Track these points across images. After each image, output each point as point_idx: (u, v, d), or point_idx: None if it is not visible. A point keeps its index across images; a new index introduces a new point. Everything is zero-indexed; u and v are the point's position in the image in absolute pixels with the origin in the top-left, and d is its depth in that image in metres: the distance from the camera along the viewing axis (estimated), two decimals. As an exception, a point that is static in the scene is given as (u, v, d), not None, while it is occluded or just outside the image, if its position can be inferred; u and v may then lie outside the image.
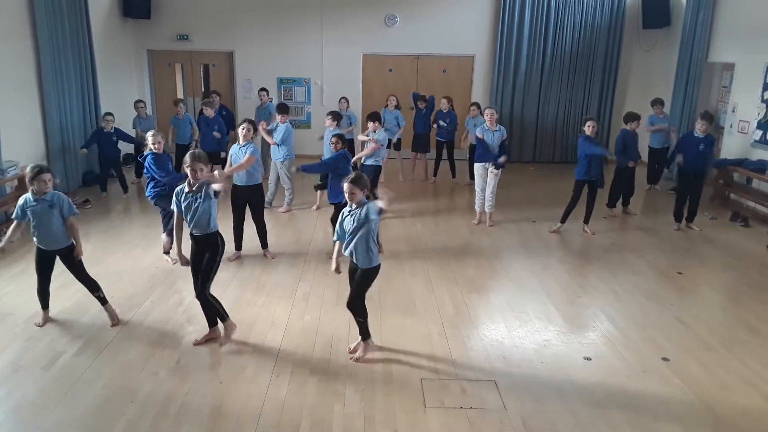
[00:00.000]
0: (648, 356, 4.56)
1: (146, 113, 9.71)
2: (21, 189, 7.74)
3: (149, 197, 6.22)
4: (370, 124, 7.82)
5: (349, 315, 5.06)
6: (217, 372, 4.23)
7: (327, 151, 8.23)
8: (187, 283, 5.73)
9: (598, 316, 5.28)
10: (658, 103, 9.60)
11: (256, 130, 6.66)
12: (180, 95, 12.50)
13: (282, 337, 4.72)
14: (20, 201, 4.62)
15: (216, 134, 8.89)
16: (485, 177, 7.63)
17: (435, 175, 10.27)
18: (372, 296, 5.20)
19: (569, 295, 5.71)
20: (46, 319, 4.91)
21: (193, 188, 4.41)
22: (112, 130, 8.68)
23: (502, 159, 7.45)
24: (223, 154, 8.66)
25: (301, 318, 5.08)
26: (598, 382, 4.20)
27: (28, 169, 4.57)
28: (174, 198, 4.51)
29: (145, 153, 6.07)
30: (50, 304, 5.20)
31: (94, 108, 9.54)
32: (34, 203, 4.56)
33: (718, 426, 3.74)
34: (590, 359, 4.51)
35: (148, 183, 6.15)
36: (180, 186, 4.50)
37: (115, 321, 4.90)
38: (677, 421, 3.77)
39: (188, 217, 4.45)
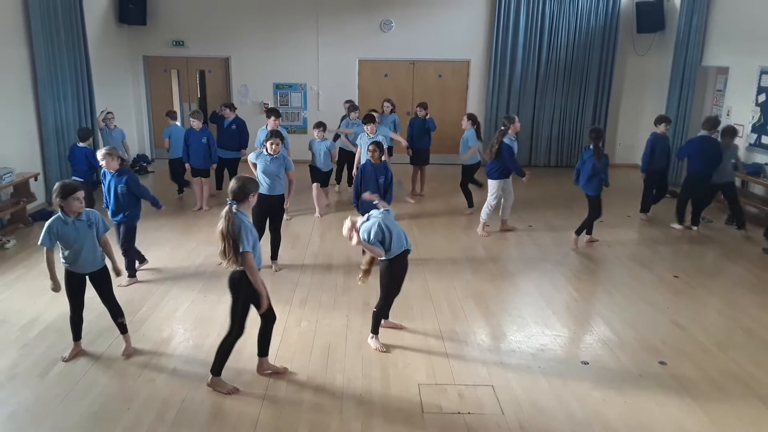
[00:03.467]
0: (645, 359, 4.57)
1: (114, 125, 8.95)
2: (17, 196, 7.74)
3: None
4: (368, 127, 7.86)
5: (345, 320, 5.08)
6: (214, 378, 4.22)
7: (318, 159, 8.33)
8: (182, 290, 5.73)
9: (595, 320, 5.29)
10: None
11: (283, 140, 6.50)
12: (176, 101, 12.50)
13: (279, 343, 4.71)
14: (49, 225, 4.19)
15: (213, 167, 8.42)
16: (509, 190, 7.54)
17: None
18: (369, 301, 5.22)
19: (566, 299, 5.71)
20: (77, 352, 4.48)
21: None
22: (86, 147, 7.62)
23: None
24: (215, 165, 8.42)
25: (298, 324, 5.08)
26: (595, 385, 4.20)
27: (56, 188, 4.14)
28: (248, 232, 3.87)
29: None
30: (48, 311, 5.19)
31: (90, 115, 9.52)
32: (69, 225, 4.18)
33: (715, 428, 3.75)
34: (587, 363, 4.52)
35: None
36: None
37: (129, 352, 4.52)
38: (674, 424, 3.77)
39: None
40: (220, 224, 3.79)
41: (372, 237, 4.41)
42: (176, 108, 12.52)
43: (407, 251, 4.60)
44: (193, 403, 3.92)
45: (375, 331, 4.70)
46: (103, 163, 5.62)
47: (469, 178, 8.59)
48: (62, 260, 4.31)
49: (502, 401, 3.98)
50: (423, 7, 11.51)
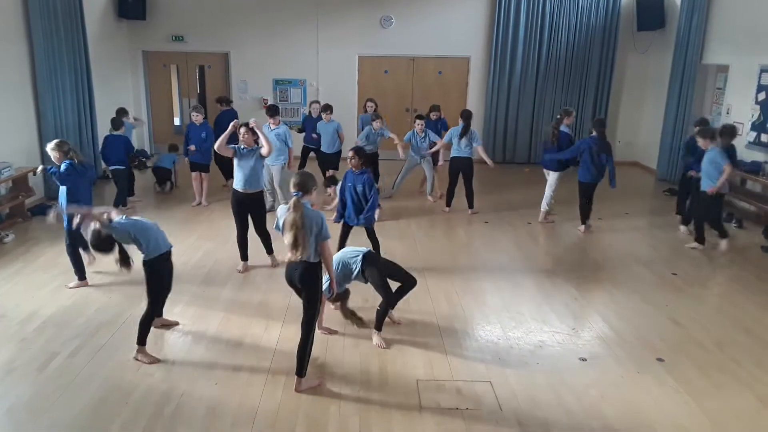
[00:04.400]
0: (643, 357, 4.58)
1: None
2: (15, 191, 7.73)
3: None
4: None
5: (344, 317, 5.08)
6: (213, 373, 4.23)
7: (324, 142, 8.72)
8: (180, 286, 5.72)
9: (593, 317, 5.30)
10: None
11: (255, 134, 6.03)
12: (176, 97, 12.48)
13: (277, 339, 4.72)
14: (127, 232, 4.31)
15: (191, 148, 8.33)
16: None
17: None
18: (368, 298, 5.22)
19: (564, 296, 5.72)
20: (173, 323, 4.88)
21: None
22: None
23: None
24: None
25: (297, 320, 5.04)
26: (593, 382, 4.21)
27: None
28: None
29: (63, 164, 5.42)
30: (46, 305, 5.19)
31: (89, 109, 9.50)
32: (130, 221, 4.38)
33: (713, 426, 3.76)
34: (585, 360, 4.53)
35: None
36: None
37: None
38: (672, 422, 3.78)
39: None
40: (290, 216, 3.88)
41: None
42: (175, 105, 12.58)
43: (366, 257, 4.72)
44: (191, 398, 3.92)
45: (378, 328, 4.72)
46: (51, 155, 5.46)
47: (455, 181, 8.28)
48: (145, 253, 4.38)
49: (500, 397, 3.99)
50: (423, 4, 11.49)
